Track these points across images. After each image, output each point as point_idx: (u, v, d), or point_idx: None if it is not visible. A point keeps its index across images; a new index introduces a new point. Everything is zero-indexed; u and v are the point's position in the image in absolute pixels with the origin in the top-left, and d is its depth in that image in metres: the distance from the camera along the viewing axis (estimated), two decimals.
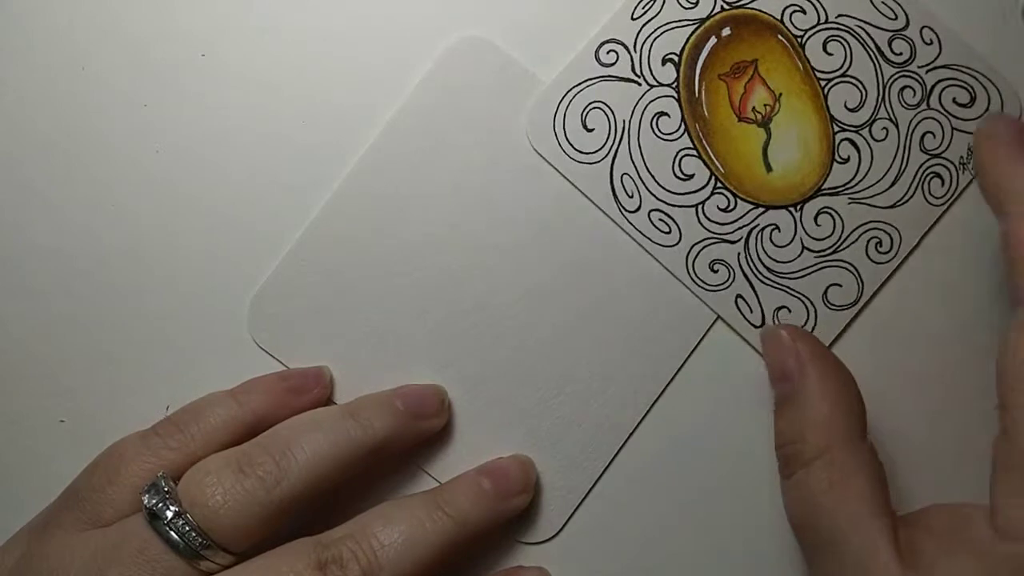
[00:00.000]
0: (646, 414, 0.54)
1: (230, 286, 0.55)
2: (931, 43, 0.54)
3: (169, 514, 0.45)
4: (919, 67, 0.54)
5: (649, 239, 0.53)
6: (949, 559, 0.40)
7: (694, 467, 0.54)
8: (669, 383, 0.54)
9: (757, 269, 0.53)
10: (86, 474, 0.50)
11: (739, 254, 0.53)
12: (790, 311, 0.53)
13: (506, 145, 0.54)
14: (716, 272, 0.54)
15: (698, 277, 0.54)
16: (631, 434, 0.54)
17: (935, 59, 0.54)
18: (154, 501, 0.45)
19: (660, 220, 0.53)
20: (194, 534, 0.45)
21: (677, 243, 0.53)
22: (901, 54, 0.54)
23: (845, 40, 0.54)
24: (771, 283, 0.53)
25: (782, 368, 0.47)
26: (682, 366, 0.54)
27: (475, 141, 0.54)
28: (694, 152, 0.53)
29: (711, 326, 0.54)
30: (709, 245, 0.54)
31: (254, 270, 0.54)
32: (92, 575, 0.45)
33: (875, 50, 0.54)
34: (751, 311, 0.54)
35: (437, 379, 0.54)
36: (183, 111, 0.54)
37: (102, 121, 0.54)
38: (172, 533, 0.45)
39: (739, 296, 0.54)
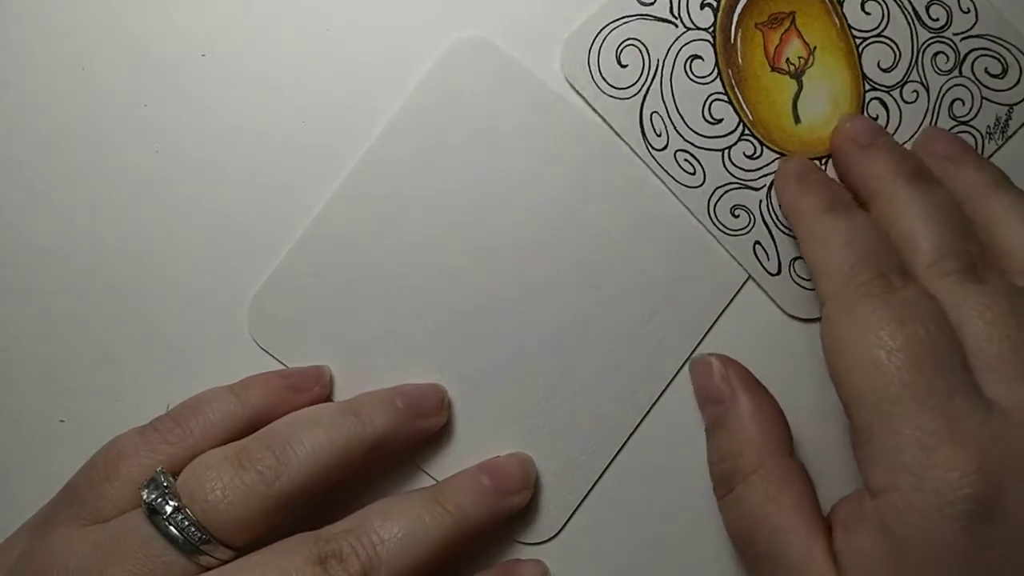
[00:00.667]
0: (646, 414, 0.54)
1: (230, 286, 0.54)
2: (968, 12, 0.55)
3: (168, 509, 0.45)
4: (954, 34, 0.55)
5: (673, 178, 0.54)
6: (852, 539, 0.42)
7: (694, 467, 0.53)
8: (670, 383, 0.54)
9: (777, 218, 0.54)
10: (84, 470, 0.49)
11: (761, 202, 0.54)
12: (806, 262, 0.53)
13: (506, 145, 0.54)
14: (737, 217, 0.54)
15: (719, 220, 0.54)
16: (631, 434, 0.54)
17: (971, 28, 0.55)
18: (153, 496, 0.45)
19: (686, 161, 0.54)
20: (193, 529, 0.45)
21: (701, 185, 0.54)
22: (937, 19, 0.55)
23: (883, 1, 0.55)
24: (790, 233, 0.53)
25: (715, 392, 0.50)
26: (682, 366, 0.54)
27: (475, 141, 0.54)
28: (725, 97, 0.54)
29: (711, 326, 0.54)
30: (732, 190, 0.54)
31: (254, 270, 0.54)
32: (93, 571, 0.45)
33: (912, 13, 0.55)
34: (768, 259, 0.54)
35: (437, 379, 0.54)
36: (183, 111, 0.55)
37: (102, 121, 0.55)
38: (172, 528, 0.45)
39: (757, 243, 0.54)
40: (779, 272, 0.54)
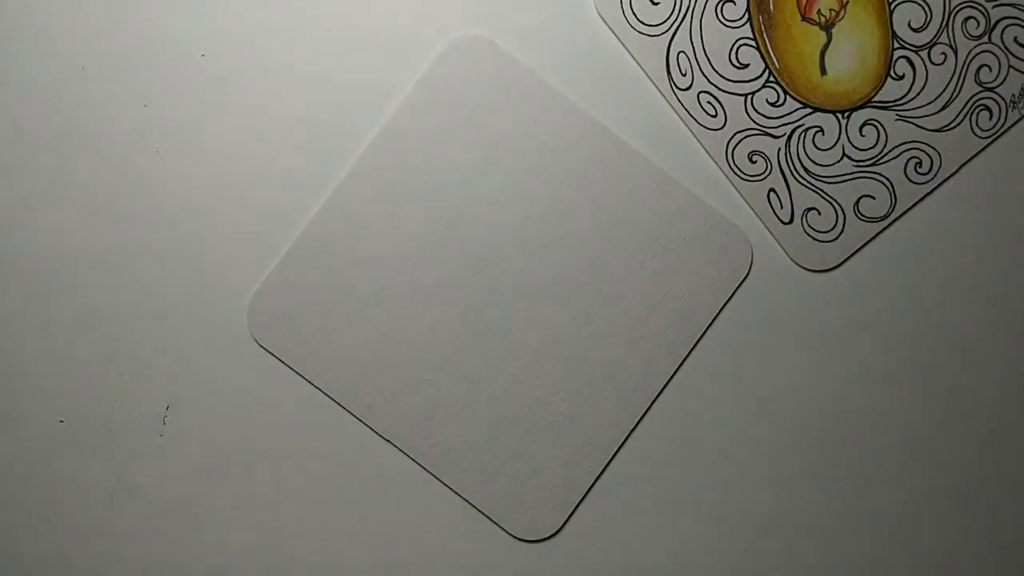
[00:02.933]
0: (646, 412, 0.55)
1: (230, 286, 0.55)
2: None
3: None
4: (987, 0, 0.54)
5: (694, 119, 0.54)
6: None
7: (695, 464, 0.55)
8: (668, 381, 0.55)
9: (795, 167, 0.54)
10: None
11: (780, 150, 0.54)
12: (820, 213, 0.54)
13: (505, 142, 0.54)
14: (754, 163, 0.54)
15: (736, 165, 0.54)
16: (631, 432, 0.55)
17: None
18: None
19: (708, 103, 0.54)
20: None
21: (721, 127, 0.54)
22: None
23: None
24: (806, 183, 0.54)
25: None
26: (681, 364, 0.55)
27: (474, 140, 0.54)
28: (753, 43, 0.54)
29: (709, 325, 0.55)
30: (752, 136, 0.54)
31: (254, 270, 0.55)
32: None
33: None
34: (781, 207, 0.54)
35: (437, 377, 0.54)
36: (183, 111, 0.54)
37: (102, 121, 0.54)
38: None
39: (772, 190, 0.54)
40: (791, 221, 0.54)
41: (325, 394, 0.54)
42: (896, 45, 0.54)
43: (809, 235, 0.54)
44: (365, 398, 0.54)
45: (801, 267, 0.54)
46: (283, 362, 0.54)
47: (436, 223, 0.54)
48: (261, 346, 0.54)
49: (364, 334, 0.54)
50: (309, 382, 0.54)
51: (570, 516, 0.54)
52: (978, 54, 0.54)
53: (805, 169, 0.54)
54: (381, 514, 0.54)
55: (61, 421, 0.54)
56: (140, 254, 0.54)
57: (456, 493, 0.54)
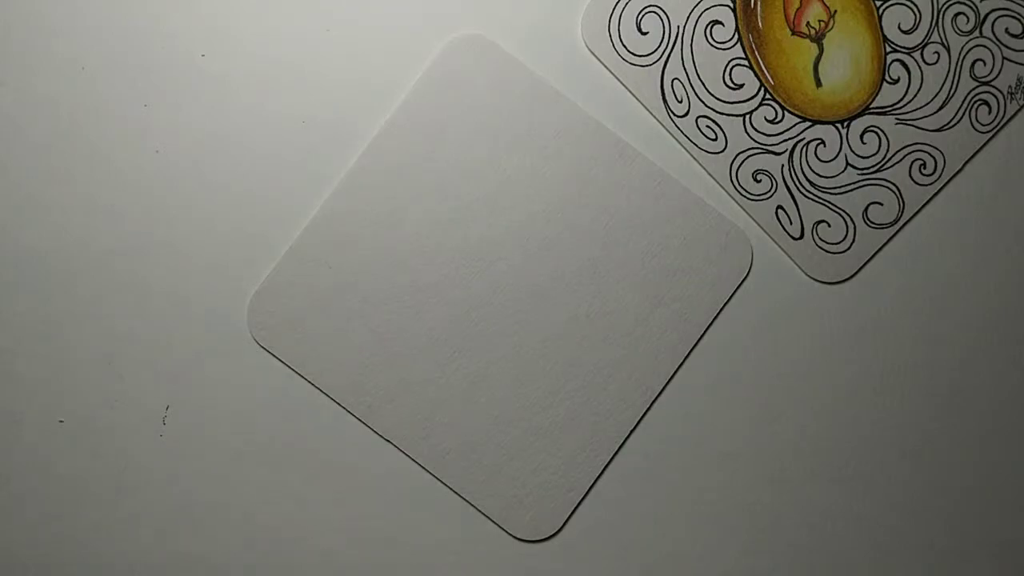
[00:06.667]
0: (646, 412, 0.54)
1: (230, 286, 0.55)
2: None
3: None
4: None
5: (695, 145, 0.54)
6: None
7: (694, 466, 0.54)
8: (668, 381, 0.54)
9: (800, 182, 0.54)
10: None
11: (783, 166, 0.54)
12: (829, 225, 0.54)
13: (505, 142, 0.55)
14: (759, 182, 0.54)
15: (741, 186, 0.54)
16: (631, 432, 0.54)
17: None
18: None
19: (707, 127, 0.54)
20: None
21: (723, 151, 0.54)
22: None
23: None
24: (813, 197, 0.54)
25: None
26: (681, 364, 0.55)
27: (475, 140, 0.55)
28: (745, 62, 0.54)
29: (710, 324, 0.55)
30: (754, 155, 0.54)
31: (254, 270, 0.55)
32: None
33: None
34: (791, 223, 0.54)
35: (437, 377, 0.54)
36: (183, 111, 0.55)
37: (102, 121, 0.55)
38: None
39: (780, 207, 0.54)
40: (802, 236, 0.54)
41: (325, 394, 0.54)
42: (888, 49, 0.54)
43: (821, 248, 0.54)
44: (365, 398, 0.53)
45: (816, 280, 0.54)
46: (283, 362, 0.54)
47: (436, 223, 0.54)
48: (261, 346, 0.54)
49: (364, 334, 0.54)
50: (309, 382, 0.54)
51: (570, 516, 0.54)
52: (971, 49, 0.54)
53: (810, 182, 0.54)
54: (381, 514, 0.54)
55: (61, 421, 0.54)
56: (140, 254, 0.54)
57: (456, 493, 0.54)
